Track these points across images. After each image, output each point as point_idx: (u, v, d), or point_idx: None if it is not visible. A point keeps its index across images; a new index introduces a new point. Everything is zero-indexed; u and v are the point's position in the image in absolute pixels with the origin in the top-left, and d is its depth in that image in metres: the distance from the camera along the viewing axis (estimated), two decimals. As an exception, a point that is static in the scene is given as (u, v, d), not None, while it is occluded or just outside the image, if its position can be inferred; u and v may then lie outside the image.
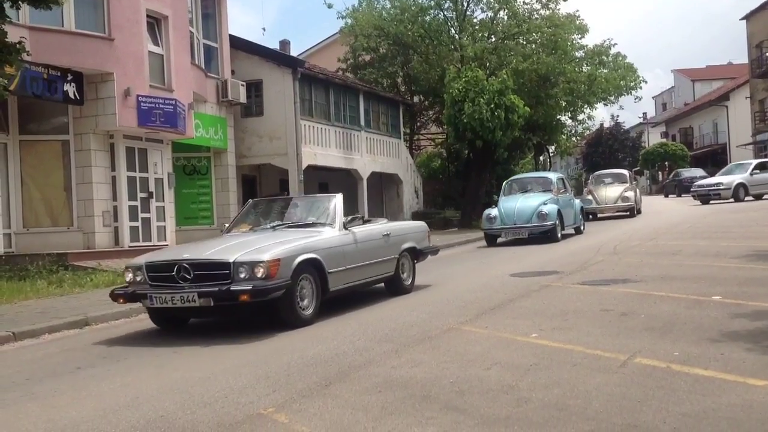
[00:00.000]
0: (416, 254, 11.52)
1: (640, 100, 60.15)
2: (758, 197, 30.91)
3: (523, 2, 34.34)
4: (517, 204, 19.40)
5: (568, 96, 33.90)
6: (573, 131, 41.29)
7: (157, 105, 18.32)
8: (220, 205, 22.95)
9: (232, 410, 5.30)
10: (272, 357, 7.05)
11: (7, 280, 13.37)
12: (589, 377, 5.48)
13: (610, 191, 27.50)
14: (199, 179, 23.04)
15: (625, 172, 30.07)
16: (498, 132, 27.57)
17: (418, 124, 38.46)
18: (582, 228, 21.37)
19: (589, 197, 27.11)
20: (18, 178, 17.29)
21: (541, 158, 44.76)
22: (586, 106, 36.61)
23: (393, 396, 5.39)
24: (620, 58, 35.06)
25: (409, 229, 11.82)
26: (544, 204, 19.03)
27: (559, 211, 19.11)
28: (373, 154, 29.57)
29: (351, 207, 29.13)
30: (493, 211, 19.62)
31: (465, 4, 34.15)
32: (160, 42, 19.13)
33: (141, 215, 18.78)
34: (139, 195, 18.78)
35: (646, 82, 36.78)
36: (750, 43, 53.13)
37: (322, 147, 26.13)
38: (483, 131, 27.47)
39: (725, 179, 31.27)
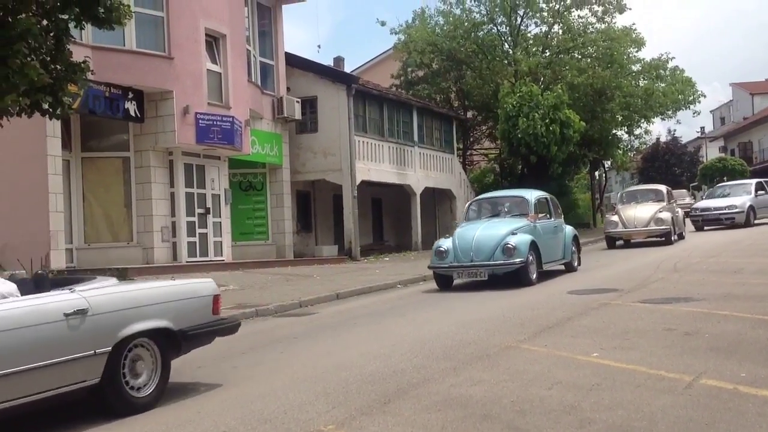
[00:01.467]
0: (171, 341, 6.46)
1: (698, 114, 59.15)
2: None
3: (578, 16, 34.20)
4: (476, 233, 14.06)
5: (624, 110, 33.49)
6: (629, 146, 40.74)
7: (214, 122, 18.62)
8: (275, 221, 23.17)
9: (293, 426, 5.33)
10: (330, 373, 7.06)
11: (70, 294, 13.65)
12: (654, 399, 5.37)
13: (641, 211, 22.10)
14: (254, 195, 23.30)
15: (661, 188, 24.71)
16: (553, 147, 27.35)
17: (472, 139, 38.36)
18: (575, 264, 16.17)
19: (614, 218, 22.51)
20: (80, 194, 17.72)
21: (597, 173, 44.22)
22: (642, 120, 36.14)
23: (453, 415, 5.36)
24: (678, 72, 34.54)
25: (156, 296, 6.51)
26: (513, 234, 13.88)
27: (533, 243, 13.91)
28: (426, 169, 29.57)
29: (405, 223, 29.20)
30: (445, 243, 14.32)
31: (519, 19, 34.07)
32: (218, 60, 19.47)
33: (198, 231, 19.07)
34: (197, 211, 19.08)
35: (704, 96, 36.01)
36: (812, 55, 51.78)
37: (376, 162, 26.22)
38: (537, 146, 27.28)
39: (737, 201, 26.64)
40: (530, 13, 33.86)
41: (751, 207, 26.32)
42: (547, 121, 27.10)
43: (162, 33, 18.04)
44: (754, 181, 29.70)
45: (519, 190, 17.95)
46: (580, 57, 34.00)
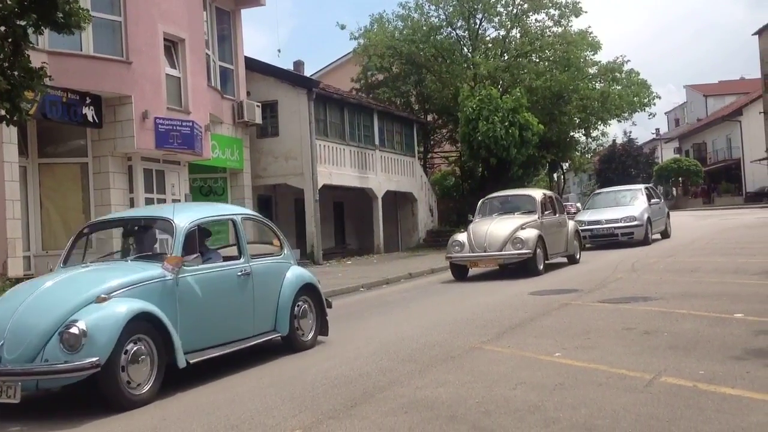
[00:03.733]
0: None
1: (654, 116, 59.97)
2: (661, 236, 23.72)
3: (536, 20, 34.50)
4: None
5: (581, 113, 33.91)
6: (587, 148, 41.25)
7: (174, 127, 18.45)
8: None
9: (260, 431, 5.34)
10: (296, 377, 7.09)
11: (29, 302, 13.45)
12: (616, 397, 5.49)
13: (497, 228, 15.76)
14: (215, 200, 23.12)
15: (535, 194, 17.44)
16: (512, 149, 27.58)
17: (432, 142, 38.53)
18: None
19: (461, 237, 16.06)
20: (37, 201, 17.42)
21: (555, 175, 44.73)
22: (599, 122, 36.59)
23: (419, 417, 5.42)
24: (633, 75, 35.04)
25: None
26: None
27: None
28: (388, 172, 29.65)
29: (367, 226, 29.23)
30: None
31: (477, 23, 34.30)
32: (177, 64, 19.30)
33: (159, 236, 18.84)
34: (157, 216, 18.84)
35: (659, 98, 36.55)
36: (762, 58, 53.01)
37: (338, 166, 26.22)
38: (497, 149, 27.49)
39: (635, 211, 21.97)
40: (488, 17, 34.12)
41: (649, 220, 21.98)
42: (506, 123, 27.30)
43: (120, 37, 17.83)
44: (641, 186, 25.54)
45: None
46: (538, 60, 34.35)
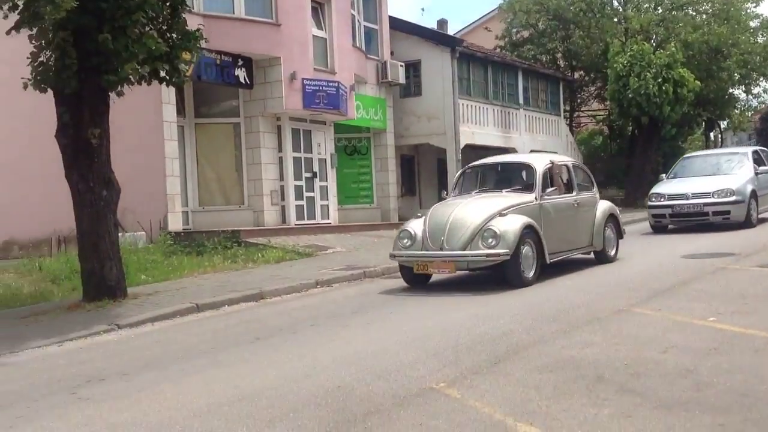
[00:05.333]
0: None
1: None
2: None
3: (693, -30, 32.59)
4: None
5: (741, 68, 31.87)
6: (747, 106, 38.86)
7: (320, 87, 18.84)
8: (380, 185, 23.33)
9: (406, 383, 5.44)
10: (440, 334, 7.14)
11: (187, 255, 14.23)
12: (776, 364, 5.21)
13: (464, 213, 10.46)
14: (359, 159, 23.51)
15: (537, 163, 11.49)
16: (666, 107, 26.41)
17: (579, 100, 37.42)
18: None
19: (412, 227, 10.71)
20: (194, 159, 18.30)
21: (712, 134, 42.48)
22: (761, 78, 34.36)
23: (565, 376, 5.35)
24: (800, 27, 32.59)
25: None
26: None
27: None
28: (531, 132, 29.08)
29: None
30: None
31: (630, -25, 32.82)
32: (323, 25, 19.63)
33: (306, 194, 19.42)
34: (304, 175, 19.41)
35: (829, 51, 33.81)
36: None
37: (480, 126, 25.96)
38: (649, 107, 26.40)
39: (732, 182, 16.31)
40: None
41: (753, 193, 16.35)
42: (659, 80, 26.15)
43: (270, 0, 18.30)
44: (748, 149, 19.03)
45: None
46: (694, 13, 32.51)
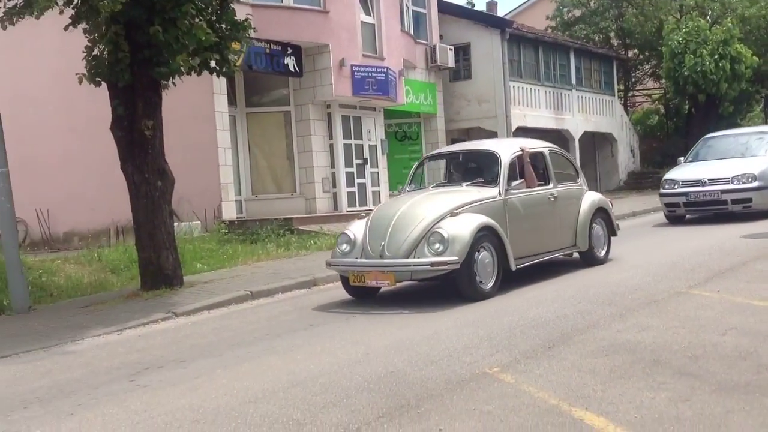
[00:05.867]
0: None
1: None
2: None
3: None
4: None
5: (802, 42, 30.91)
6: (808, 80, 37.64)
7: (369, 74, 18.82)
8: (430, 170, 23.19)
9: (458, 368, 5.42)
10: (492, 318, 7.10)
11: (241, 243, 14.39)
12: (842, 346, 5.05)
13: (410, 214, 8.72)
14: (410, 145, 23.47)
15: (500, 150, 9.58)
16: (723, 84, 25.77)
17: (633, 79, 36.69)
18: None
19: (352, 230, 9.04)
20: (246, 148, 18.47)
21: (771, 111, 41.28)
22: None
23: (621, 360, 5.27)
24: None
25: None
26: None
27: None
28: (585, 113, 28.64)
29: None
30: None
31: (684, -51, 31.99)
32: (371, 11, 19.57)
33: (357, 181, 19.46)
34: (355, 162, 19.45)
35: None
36: None
37: (532, 108, 25.67)
38: (706, 84, 25.79)
39: (754, 165, 14.52)
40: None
41: None
42: (716, 57, 25.51)
43: (317, -13, 18.31)
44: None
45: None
46: (752, -14, 31.60)
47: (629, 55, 34.50)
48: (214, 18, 10.69)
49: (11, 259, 9.58)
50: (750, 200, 13.93)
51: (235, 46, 11.68)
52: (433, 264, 8.06)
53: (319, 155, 18.63)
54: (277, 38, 17.57)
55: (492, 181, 9.13)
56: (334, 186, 18.89)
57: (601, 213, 10.41)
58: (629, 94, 36.50)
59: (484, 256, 8.32)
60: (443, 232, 8.07)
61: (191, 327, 8.26)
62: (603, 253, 10.34)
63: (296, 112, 18.78)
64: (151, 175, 10.24)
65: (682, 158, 16.52)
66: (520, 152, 9.50)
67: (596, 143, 30.87)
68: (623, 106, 33.19)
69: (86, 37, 10.33)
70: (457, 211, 8.41)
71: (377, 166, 20.18)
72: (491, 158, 9.47)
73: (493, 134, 24.45)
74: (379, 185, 20.15)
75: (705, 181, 14.33)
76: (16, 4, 9.35)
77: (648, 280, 8.41)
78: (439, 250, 8.02)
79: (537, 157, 9.93)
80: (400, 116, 22.54)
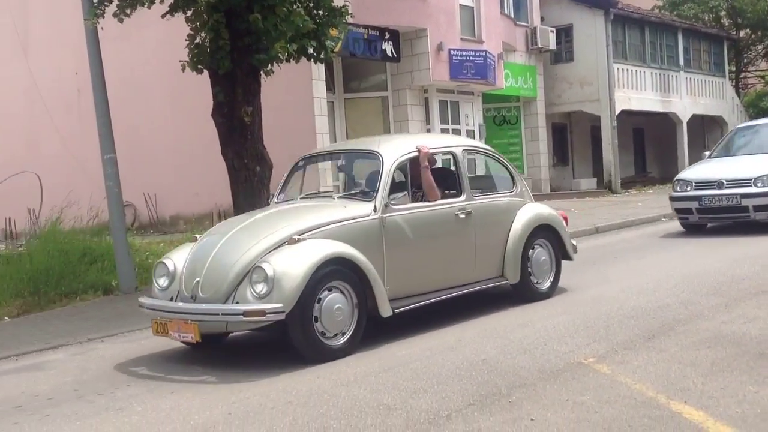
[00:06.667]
0: None
1: None
2: None
3: None
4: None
5: None
6: None
7: (467, 57, 18.66)
8: (530, 155, 22.94)
9: (552, 357, 5.31)
10: (589, 307, 6.93)
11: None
12: None
13: (235, 242, 6.26)
14: (509, 129, 23.19)
15: (385, 151, 6.94)
16: (843, 64, 24.36)
17: (745, 60, 35.12)
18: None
19: (170, 262, 6.54)
20: (344, 134, 18.63)
21: None
22: None
23: (724, 352, 5.06)
24: None
25: None
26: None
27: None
28: (693, 95, 27.61)
29: (669, 153, 27.59)
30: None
31: None
32: (470, -6, 19.36)
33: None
34: (453, 147, 19.30)
35: None
36: None
37: (637, 90, 24.91)
38: (824, 64, 24.44)
39: None
40: None
41: None
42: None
43: (415, -28, 18.24)
44: None
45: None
46: None
47: (741, 35, 33.02)
48: (311, 4, 10.77)
49: (119, 242, 9.95)
50: None
51: (333, 32, 11.75)
52: (246, 313, 5.64)
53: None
54: (375, 23, 17.62)
55: (369, 192, 6.71)
56: (432, 171, 18.81)
57: (545, 232, 7.80)
58: (741, 76, 34.97)
59: (334, 300, 5.88)
60: (268, 268, 5.69)
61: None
62: (547, 284, 7.72)
63: (393, 97, 18.82)
64: (250, 160, 10.41)
65: (707, 152, 13.92)
66: (416, 153, 6.92)
67: (705, 127, 29.77)
68: (734, 88, 31.84)
69: (188, 25, 10.59)
70: (300, 236, 5.98)
71: (475, 152, 19.98)
72: (372, 161, 7.00)
73: (596, 118, 23.91)
74: (475, 170, 19.96)
75: (722, 183, 11.43)
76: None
77: (756, 269, 8.04)
78: (262, 292, 5.67)
79: (450, 162, 7.58)
80: (498, 100, 22.29)
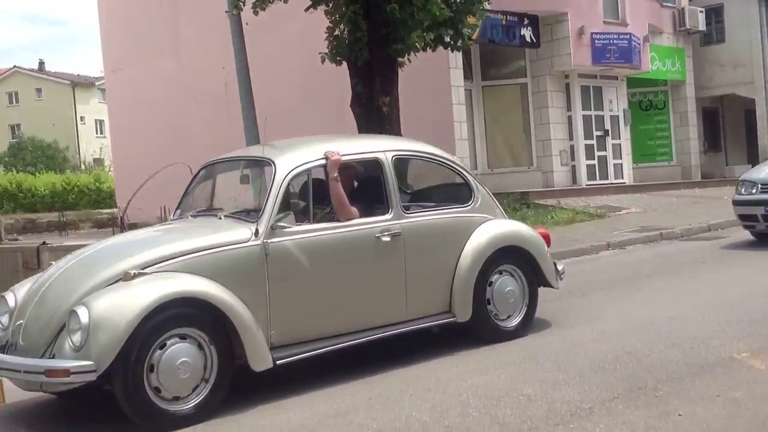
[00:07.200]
0: None
1: None
2: None
3: None
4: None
5: None
6: None
7: (611, 41, 18.07)
8: (679, 141, 21.97)
9: (702, 352, 5.05)
10: (744, 300, 6.54)
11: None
12: None
13: (60, 281, 4.98)
14: (656, 114, 22.29)
15: (278, 159, 5.45)
16: None
17: None
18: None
19: (9, 302, 5.19)
20: (482, 122, 18.47)
21: None
22: None
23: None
24: None
25: None
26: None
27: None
28: None
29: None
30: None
31: None
32: (612, -25, 18.73)
33: (597, 153, 18.84)
34: (595, 133, 18.81)
35: None
36: None
37: (797, 71, 23.35)
38: None
39: None
40: None
41: None
42: None
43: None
44: None
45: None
46: None
47: None
48: (448, -7, 10.71)
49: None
50: None
51: (471, 20, 11.66)
52: (48, 372, 4.43)
53: (556, 127, 18.23)
54: (514, 9, 17.36)
55: (253, 212, 5.41)
56: (573, 159, 18.42)
57: (514, 255, 6.12)
58: None
59: (181, 352, 4.57)
60: (83, 313, 4.45)
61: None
62: (516, 321, 6.07)
63: (533, 84, 18.49)
64: (388, 150, 10.49)
65: None
66: (323, 161, 5.52)
67: None
68: None
69: (327, 18, 10.79)
70: (142, 270, 4.72)
71: (619, 138, 19.42)
72: (263, 171, 5.68)
73: (750, 101, 22.64)
74: (621, 158, 19.41)
75: None
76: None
77: None
78: (77, 344, 4.43)
79: (362, 170, 5.97)
80: (644, 84, 21.47)
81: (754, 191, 9.95)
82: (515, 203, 15.26)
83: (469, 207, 6.08)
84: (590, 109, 18.80)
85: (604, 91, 19.17)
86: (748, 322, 5.68)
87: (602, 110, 19.07)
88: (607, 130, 19.05)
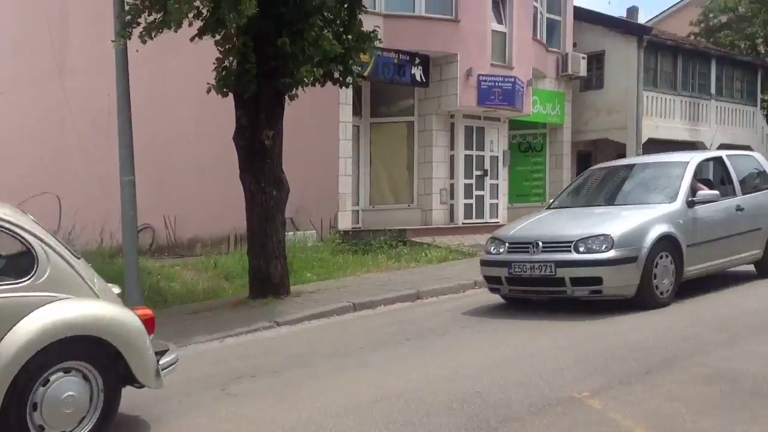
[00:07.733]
0: None
1: None
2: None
3: None
4: None
5: None
6: None
7: (496, 83, 18.57)
8: (553, 182, 22.72)
9: (546, 391, 5.29)
10: (593, 340, 6.87)
11: (353, 253, 14.47)
12: None
13: None
14: (533, 156, 22.98)
15: None
16: None
17: (780, 89, 34.63)
18: None
19: None
20: (368, 158, 18.62)
21: None
22: None
23: (719, 389, 5.05)
24: None
25: None
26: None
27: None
28: (723, 124, 27.20)
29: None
30: None
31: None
32: (503, 19, 19.21)
33: (475, 193, 19.20)
34: (475, 173, 19.21)
35: None
36: None
37: (665, 119, 24.61)
38: None
39: (615, 226, 8.50)
40: None
41: (667, 242, 8.59)
42: None
43: (451, -4, 18.22)
44: (690, 157, 10.06)
45: None
46: None
47: (777, 64, 32.63)
48: (341, 29, 10.78)
49: (130, 264, 9.97)
50: (599, 280, 8.21)
51: (363, 57, 11.78)
52: None
53: (439, 166, 18.59)
54: (406, 48, 17.65)
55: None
56: (452, 197, 18.78)
57: (86, 348, 4.74)
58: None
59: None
60: None
61: (291, 337, 8.42)
62: None
63: (419, 123, 18.83)
64: (267, 184, 10.47)
65: (553, 200, 11.74)
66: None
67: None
68: (766, 117, 31.40)
69: (218, 49, 10.68)
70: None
71: (497, 178, 19.90)
72: None
73: (621, 146, 23.72)
74: (497, 197, 19.88)
75: (537, 245, 8.59)
76: (155, 19, 9.75)
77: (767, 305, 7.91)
78: None
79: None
80: (525, 127, 22.14)
81: (501, 251, 9.01)
82: (392, 240, 15.46)
83: (25, 283, 4.64)
84: (472, 149, 19.23)
85: (487, 132, 19.68)
86: (592, 362, 5.96)
87: (483, 150, 19.53)
88: (487, 170, 19.49)
